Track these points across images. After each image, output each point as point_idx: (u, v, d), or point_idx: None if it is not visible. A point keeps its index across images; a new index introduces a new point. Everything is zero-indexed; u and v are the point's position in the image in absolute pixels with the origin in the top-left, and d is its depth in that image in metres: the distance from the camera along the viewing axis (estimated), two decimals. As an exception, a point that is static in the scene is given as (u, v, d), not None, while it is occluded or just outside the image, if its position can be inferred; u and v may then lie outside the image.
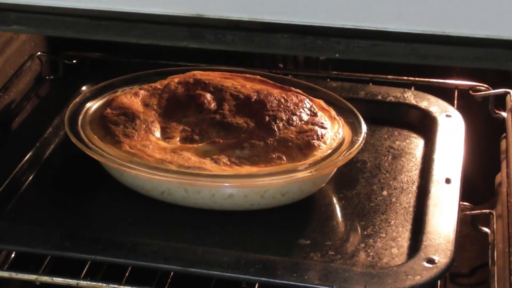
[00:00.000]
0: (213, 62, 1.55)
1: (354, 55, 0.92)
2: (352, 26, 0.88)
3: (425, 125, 1.45)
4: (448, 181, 1.29)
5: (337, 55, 0.92)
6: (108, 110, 1.34)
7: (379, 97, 1.50)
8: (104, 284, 1.16)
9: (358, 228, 1.24)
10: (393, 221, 1.25)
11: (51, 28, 0.97)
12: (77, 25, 0.95)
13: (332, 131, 1.31)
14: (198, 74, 1.43)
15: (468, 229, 1.39)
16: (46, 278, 1.17)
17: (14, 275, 1.18)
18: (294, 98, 1.36)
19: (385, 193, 1.32)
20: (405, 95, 1.50)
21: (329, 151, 1.27)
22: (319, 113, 1.34)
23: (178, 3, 0.90)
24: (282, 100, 1.35)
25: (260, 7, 0.89)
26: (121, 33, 0.95)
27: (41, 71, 1.59)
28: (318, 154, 1.26)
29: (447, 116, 1.45)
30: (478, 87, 1.52)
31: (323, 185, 1.31)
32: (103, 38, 0.97)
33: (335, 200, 1.31)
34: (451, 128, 1.42)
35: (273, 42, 0.92)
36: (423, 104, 1.48)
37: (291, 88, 1.40)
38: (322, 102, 1.37)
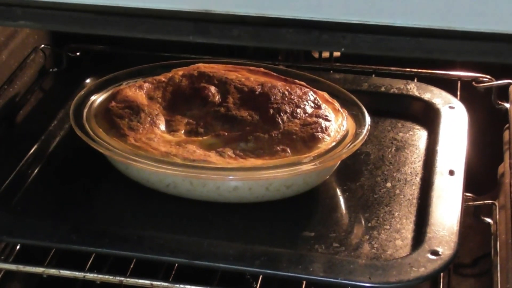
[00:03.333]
0: (217, 54, 1.56)
1: (360, 50, 0.92)
2: (358, 21, 0.89)
3: (428, 117, 1.45)
4: (451, 172, 1.29)
5: (343, 49, 0.93)
6: (113, 103, 1.34)
7: (382, 89, 1.51)
8: (110, 277, 1.16)
9: (362, 220, 1.25)
10: (397, 213, 1.26)
11: (58, 23, 0.97)
12: (83, 20, 0.96)
13: (336, 124, 1.31)
14: (202, 66, 1.44)
15: (471, 219, 1.40)
16: (53, 271, 1.17)
17: (21, 267, 1.18)
18: (298, 91, 1.36)
19: (388, 185, 1.32)
20: (408, 87, 1.51)
21: (333, 144, 1.27)
22: (323, 106, 1.34)
23: (184, -1, 0.90)
24: (286, 92, 1.35)
25: (266, 2, 0.89)
26: (127, 28, 0.96)
27: (45, 64, 1.59)
28: (323, 147, 1.26)
29: (450, 107, 1.45)
30: (481, 79, 1.52)
31: (327, 177, 1.31)
32: (109, 33, 0.97)
33: (339, 192, 1.31)
34: (454, 120, 1.42)
35: (279, 37, 0.92)
36: (426, 96, 1.48)
37: (295, 80, 1.40)
38: (326, 95, 1.38)
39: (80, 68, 1.60)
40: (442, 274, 1.23)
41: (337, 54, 1.69)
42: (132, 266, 1.22)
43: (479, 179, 1.49)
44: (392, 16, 0.88)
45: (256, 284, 1.23)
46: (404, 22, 0.88)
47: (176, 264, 1.24)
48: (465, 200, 1.32)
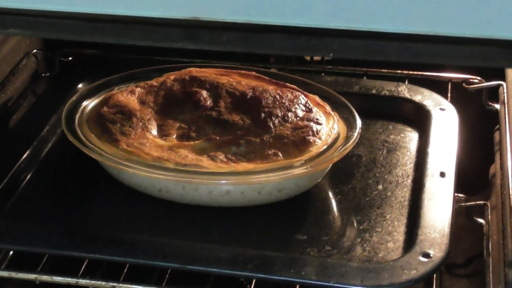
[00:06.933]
0: (209, 58, 1.56)
1: (348, 54, 0.93)
2: (346, 27, 0.89)
3: (419, 119, 1.46)
4: (442, 174, 1.30)
5: (331, 54, 0.94)
6: (105, 109, 1.35)
7: (374, 91, 1.51)
8: (103, 282, 1.16)
9: (354, 222, 1.26)
10: (388, 215, 1.26)
11: (48, 31, 0.98)
12: (73, 28, 0.96)
13: (327, 127, 1.32)
14: (194, 71, 1.44)
15: (463, 220, 1.40)
16: (45, 278, 1.17)
17: (13, 274, 1.18)
18: (289, 94, 1.36)
19: (380, 187, 1.33)
20: (399, 89, 1.51)
21: (325, 147, 1.28)
22: (314, 109, 1.35)
23: (174, 7, 0.90)
24: (278, 96, 1.36)
25: (255, 10, 0.89)
26: (117, 35, 0.96)
27: (37, 69, 1.60)
28: (314, 150, 1.27)
29: (441, 109, 1.46)
30: (471, 80, 1.53)
31: (319, 180, 1.32)
32: (99, 40, 0.98)
33: (331, 195, 1.32)
34: (445, 122, 1.43)
35: (268, 42, 0.93)
36: (417, 98, 1.49)
37: (286, 84, 1.41)
38: (317, 98, 1.38)
39: (73, 73, 1.60)
40: (434, 274, 1.23)
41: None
42: (125, 270, 1.22)
43: (471, 179, 1.49)
44: (379, 22, 0.88)
45: (250, 287, 1.23)
46: (391, 28, 0.88)
47: (170, 269, 1.24)
48: (457, 200, 1.33)
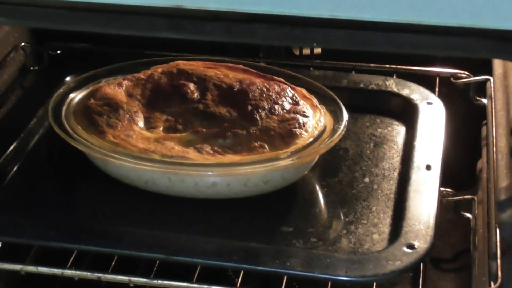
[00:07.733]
0: (197, 52, 1.56)
1: (331, 44, 0.94)
2: (329, 16, 0.89)
3: (406, 113, 1.46)
4: (428, 167, 1.30)
5: (315, 44, 0.94)
6: (92, 101, 1.35)
7: (361, 85, 1.51)
8: (88, 273, 1.17)
9: (340, 215, 1.26)
10: (374, 208, 1.27)
11: (32, 19, 0.98)
12: (58, 17, 0.97)
13: (314, 120, 1.32)
14: (181, 64, 1.44)
15: (451, 214, 1.40)
16: (31, 268, 1.17)
17: (-1, 265, 1.19)
18: (276, 87, 1.37)
19: (366, 180, 1.33)
20: (387, 83, 1.51)
21: (311, 139, 1.28)
22: (301, 102, 1.35)
23: (157, -5, 0.91)
24: (265, 89, 1.36)
25: (238, -2, 0.90)
26: (101, 24, 0.97)
27: (26, 62, 1.59)
28: (300, 142, 1.27)
29: (428, 103, 1.46)
30: (459, 75, 1.53)
31: (306, 172, 1.32)
32: (84, 29, 0.99)
33: (317, 188, 1.32)
34: (432, 115, 1.43)
35: (252, 32, 0.94)
36: (405, 92, 1.49)
37: (274, 77, 1.41)
38: (304, 91, 1.38)
39: (61, 66, 1.60)
40: (421, 268, 1.24)
41: (317, 51, 1.69)
42: (113, 263, 1.22)
43: (459, 174, 1.50)
44: (362, 11, 0.89)
45: (238, 280, 1.23)
46: (374, 16, 0.89)
47: (158, 261, 1.24)
48: (445, 195, 1.33)
